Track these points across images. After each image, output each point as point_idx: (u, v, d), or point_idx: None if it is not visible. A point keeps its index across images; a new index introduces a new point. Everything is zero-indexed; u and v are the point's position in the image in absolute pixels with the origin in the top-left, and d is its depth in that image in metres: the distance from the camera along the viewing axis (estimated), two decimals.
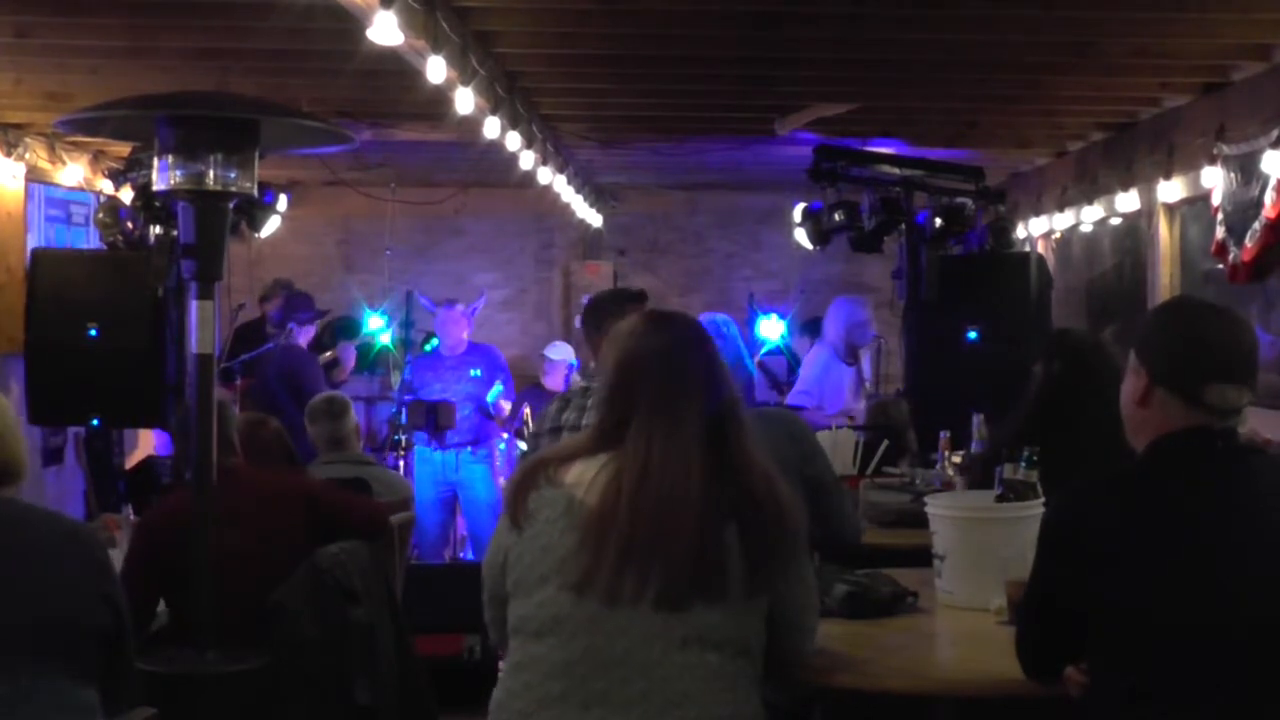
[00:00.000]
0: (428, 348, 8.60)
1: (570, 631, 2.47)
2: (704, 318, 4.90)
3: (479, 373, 8.22)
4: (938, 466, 5.71)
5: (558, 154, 8.27)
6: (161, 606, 4.13)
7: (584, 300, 10.96)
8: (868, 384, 8.06)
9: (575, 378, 9.12)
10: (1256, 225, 5.73)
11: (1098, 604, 2.41)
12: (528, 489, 2.57)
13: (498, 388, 8.27)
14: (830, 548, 3.84)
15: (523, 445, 8.58)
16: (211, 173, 3.75)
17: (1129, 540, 2.40)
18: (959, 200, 7.15)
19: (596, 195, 10.72)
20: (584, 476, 2.54)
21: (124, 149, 7.13)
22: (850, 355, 7.84)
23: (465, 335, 8.30)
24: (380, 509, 4.72)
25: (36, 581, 2.65)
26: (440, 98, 5.43)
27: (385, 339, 9.71)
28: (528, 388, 9.44)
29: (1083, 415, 3.95)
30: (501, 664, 2.68)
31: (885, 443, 5.65)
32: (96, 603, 2.73)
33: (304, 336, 8.45)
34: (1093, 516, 2.45)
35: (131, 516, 4.95)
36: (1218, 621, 2.34)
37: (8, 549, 2.66)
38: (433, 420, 7.90)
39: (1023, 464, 3.48)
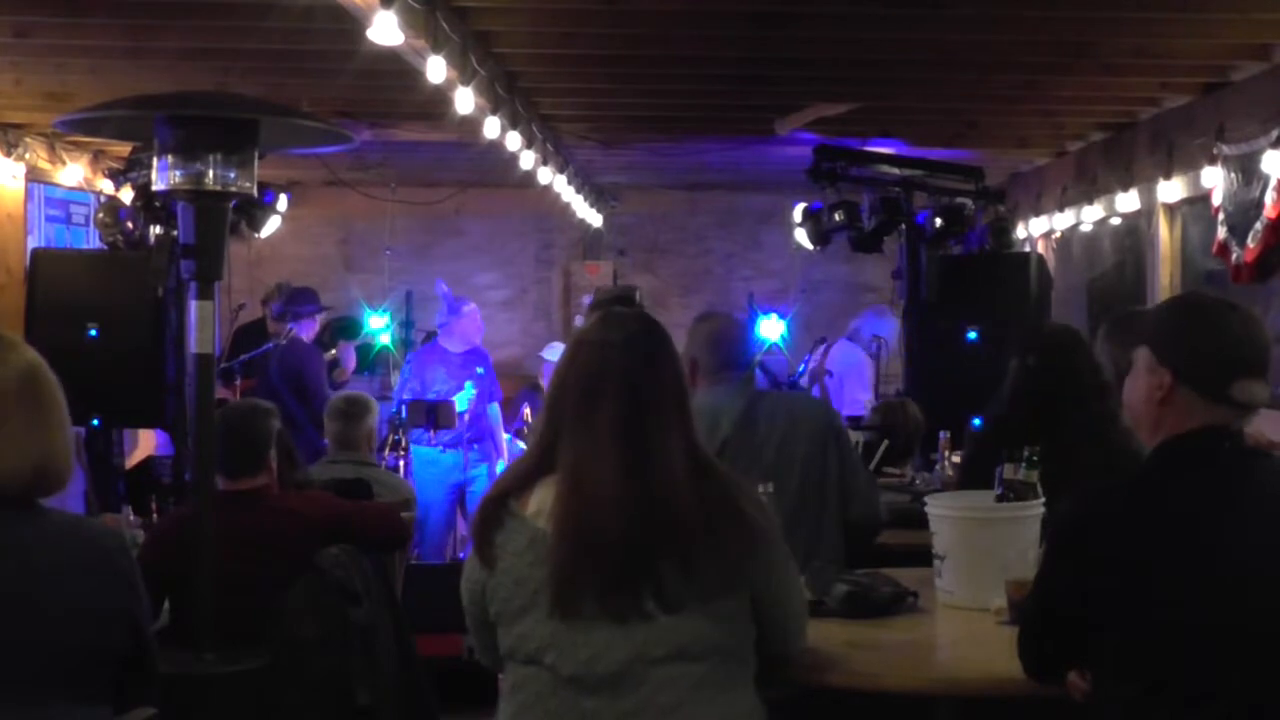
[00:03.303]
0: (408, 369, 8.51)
1: (555, 657, 2.47)
2: None
3: (483, 371, 8.23)
4: (937, 467, 5.71)
5: (558, 154, 8.27)
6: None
7: (584, 300, 11.04)
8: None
9: None
10: (1258, 225, 5.74)
11: (1109, 607, 2.39)
12: (493, 526, 2.56)
13: (469, 390, 8.20)
14: (852, 531, 3.89)
15: (522, 445, 8.59)
16: (211, 173, 3.75)
17: (1143, 544, 2.38)
18: (959, 200, 7.15)
19: (596, 195, 10.72)
20: (544, 504, 2.53)
21: (124, 149, 7.13)
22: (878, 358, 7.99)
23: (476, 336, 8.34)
24: (400, 520, 4.71)
25: (56, 605, 2.59)
26: (440, 98, 5.43)
27: (385, 339, 9.69)
28: (526, 388, 9.44)
29: (1061, 408, 3.96)
30: (502, 677, 2.68)
31: (886, 443, 5.64)
32: (117, 623, 2.67)
33: (307, 330, 8.43)
34: (1106, 520, 2.44)
35: (131, 516, 4.95)
36: (1230, 623, 2.33)
37: (29, 567, 2.60)
38: (432, 420, 7.89)
39: (1023, 464, 3.48)
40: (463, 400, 8.07)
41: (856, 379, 8.01)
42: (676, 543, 2.46)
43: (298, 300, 8.46)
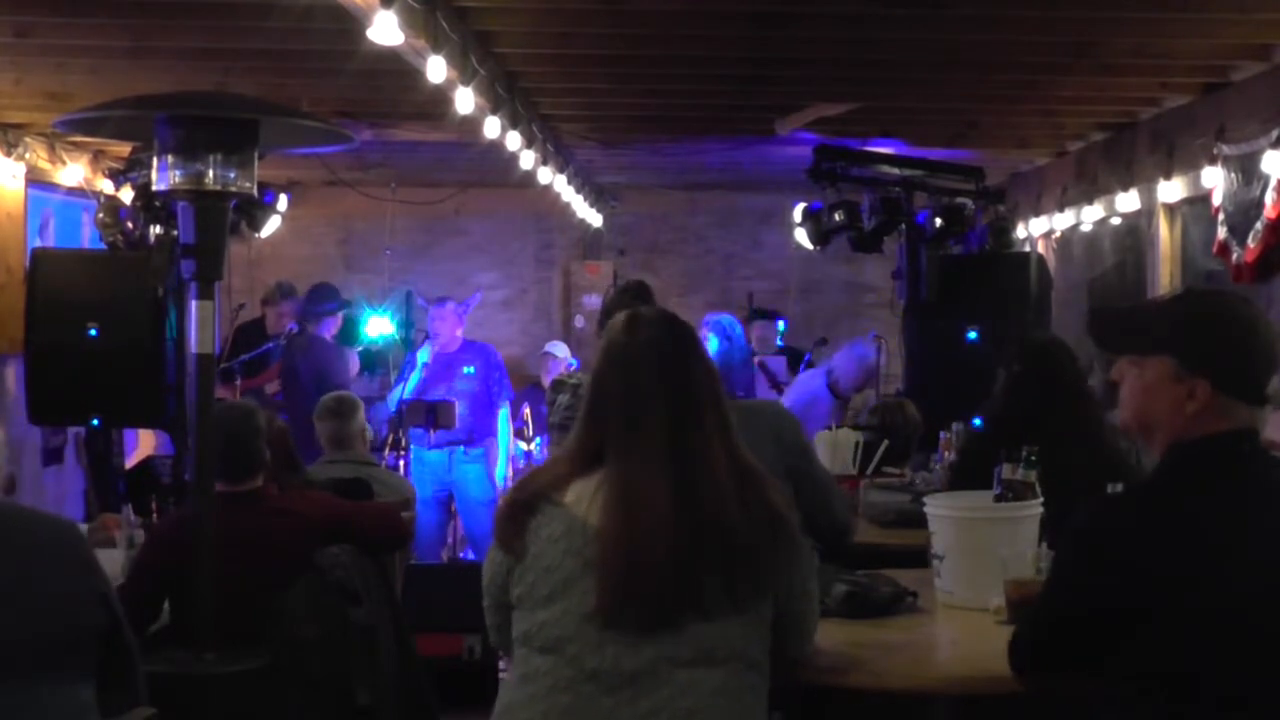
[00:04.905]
0: (422, 355, 8.52)
1: (575, 652, 2.47)
2: (709, 319, 4.92)
3: (472, 370, 8.21)
4: (937, 467, 5.71)
5: (558, 154, 8.27)
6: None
7: (585, 300, 11.04)
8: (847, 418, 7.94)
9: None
10: (1259, 226, 5.74)
11: (1122, 615, 2.36)
12: (528, 513, 2.56)
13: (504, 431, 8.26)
14: (817, 540, 3.87)
15: (523, 445, 8.58)
16: (211, 173, 3.76)
17: (1159, 552, 2.35)
18: (959, 200, 7.15)
19: (596, 195, 10.72)
20: (583, 494, 2.53)
21: (124, 149, 7.13)
22: (840, 394, 7.74)
23: (458, 333, 8.30)
24: (400, 519, 4.72)
25: (30, 589, 2.64)
26: (440, 98, 5.43)
27: (382, 328, 9.69)
28: (528, 387, 9.43)
29: (1046, 415, 3.97)
30: (502, 665, 2.68)
31: (885, 443, 5.64)
32: (90, 602, 2.73)
33: (329, 328, 8.42)
34: (1121, 528, 2.40)
35: (131, 516, 4.95)
36: (1242, 630, 2.31)
37: (4, 558, 2.65)
38: (432, 420, 7.89)
39: (1022, 464, 3.48)
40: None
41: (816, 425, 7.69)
42: (722, 559, 2.47)
43: (320, 298, 8.44)
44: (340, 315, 8.53)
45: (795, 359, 9.17)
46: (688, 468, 2.51)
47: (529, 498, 2.58)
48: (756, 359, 8.38)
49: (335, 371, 7.97)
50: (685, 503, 2.48)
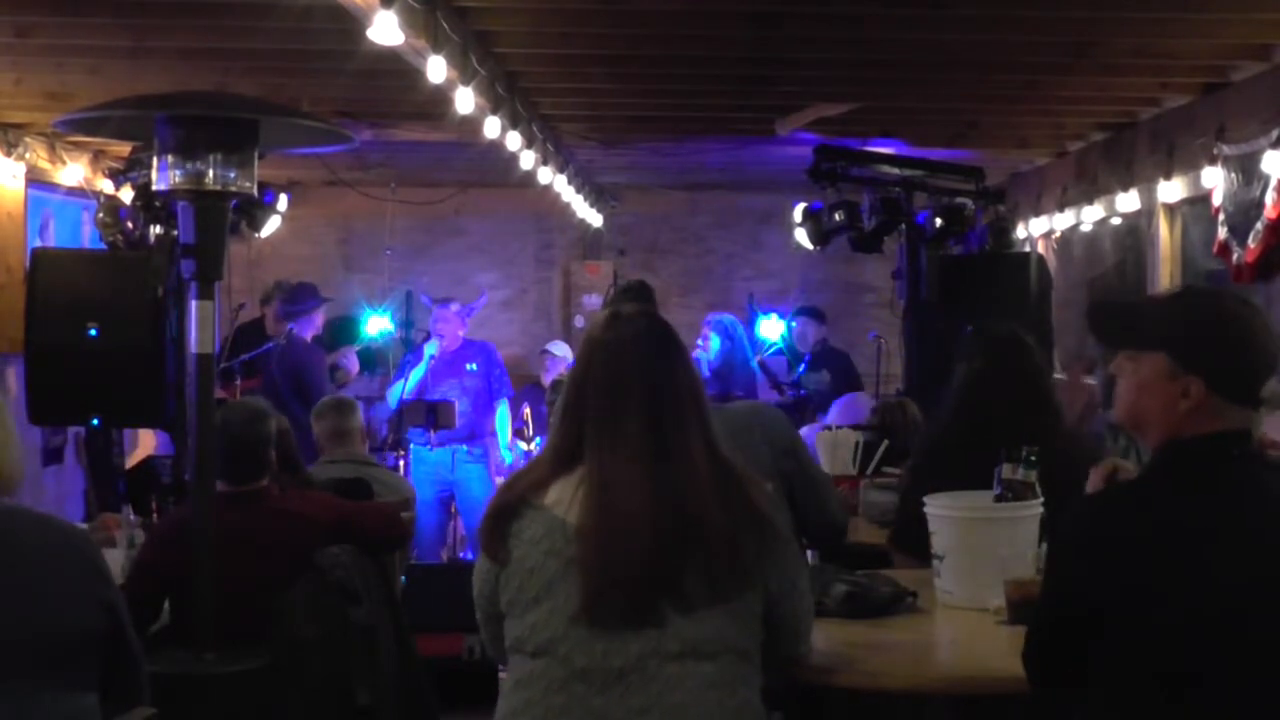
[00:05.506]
0: (430, 348, 8.55)
1: (566, 652, 2.48)
2: (712, 318, 4.94)
3: (475, 367, 8.24)
4: None
5: (558, 154, 8.27)
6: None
7: (585, 300, 11.04)
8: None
9: None
10: (1259, 226, 5.73)
11: (1114, 616, 2.35)
12: (508, 517, 2.57)
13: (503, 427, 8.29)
14: (812, 539, 3.90)
15: (523, 445, 8.59)
16: (211, 172, 3.76)
17: (1150, 554, 2.34)
18: (959, 200, 7.15)
19: (596, 195, 10.72)
20: (564, 495, 2.54)
21: (124, 149, 7.12)
22: None
23: (460, 334, 8.32)
24: (400, 520, 4.72)
25: (36, 594, 2.63)
26: (440, 98, 5.43)
27: (382, 328, 9.69)
28: (527, 387, 9.44)
29: (1007, 413, 3.94)
30: (502, 666, 2.68)
31: (885, 443, 5.65)
32: (95, 609, 2.72)
33: (311, 327, 8.41)
34: (1114, 529, 2.39)
35: (131, 516, 4.95)
36: (1250, 624, 2.31)
37: (6, 562, 2.64)
38: (432, 419, 7.90)
39: (1022, 464, 3.48)
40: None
41: None
42: (703, 556, 2.47)
43: (297, 298, 8.45)
44: (320, 312, 8.53)
45: (837, 356, 9.18)
46: (668, 468, 2.51)
47: (510, 502, 2.59)
48: (758, 359, 8.38)
49: (308, 371, 7.96)
50: (666, 502, 2.48)
